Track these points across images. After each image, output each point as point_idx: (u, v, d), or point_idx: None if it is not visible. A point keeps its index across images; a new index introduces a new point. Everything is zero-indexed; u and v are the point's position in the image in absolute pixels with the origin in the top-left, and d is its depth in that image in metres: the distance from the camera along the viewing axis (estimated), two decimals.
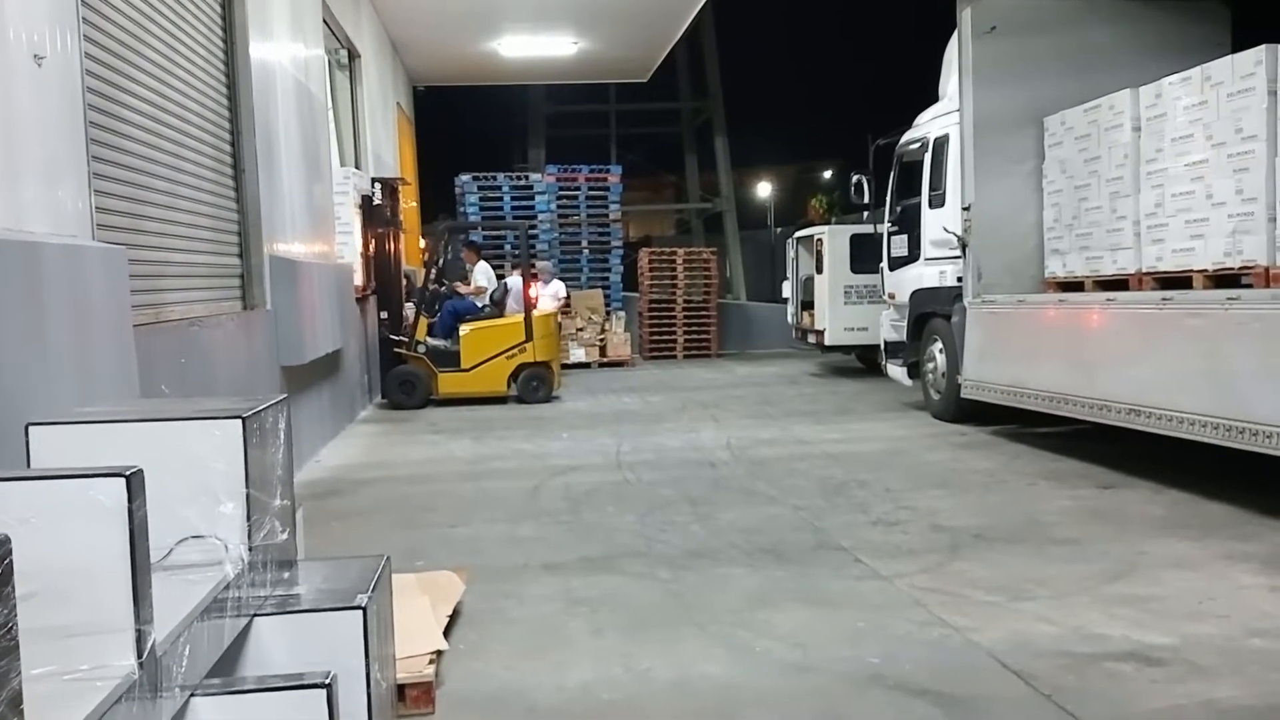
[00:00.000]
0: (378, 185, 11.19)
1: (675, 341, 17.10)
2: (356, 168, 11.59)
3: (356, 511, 6.21)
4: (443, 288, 11.78)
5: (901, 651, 3.71)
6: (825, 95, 32.82)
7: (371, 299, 11.33)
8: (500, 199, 16.71)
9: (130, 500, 1.68)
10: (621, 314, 16.75)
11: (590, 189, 17.37)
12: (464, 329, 11.17)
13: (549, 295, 13.40)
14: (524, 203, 16.74)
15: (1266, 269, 5.83)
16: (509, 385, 11.26)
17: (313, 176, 8.71)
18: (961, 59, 8.40)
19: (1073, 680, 3.39)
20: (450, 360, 11.09)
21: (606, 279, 17.42)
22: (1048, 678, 3.42)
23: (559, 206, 17.13)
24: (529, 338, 11.15)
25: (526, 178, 17.57)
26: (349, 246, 10.46)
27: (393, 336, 11.09)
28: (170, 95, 5.40)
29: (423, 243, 13.66)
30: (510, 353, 11.15)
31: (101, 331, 3.52)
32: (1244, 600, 4.17)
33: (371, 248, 10.97)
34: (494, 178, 16.99)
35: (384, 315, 11.18)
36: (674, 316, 17.11)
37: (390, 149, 14.37)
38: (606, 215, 17.49)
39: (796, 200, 36.95)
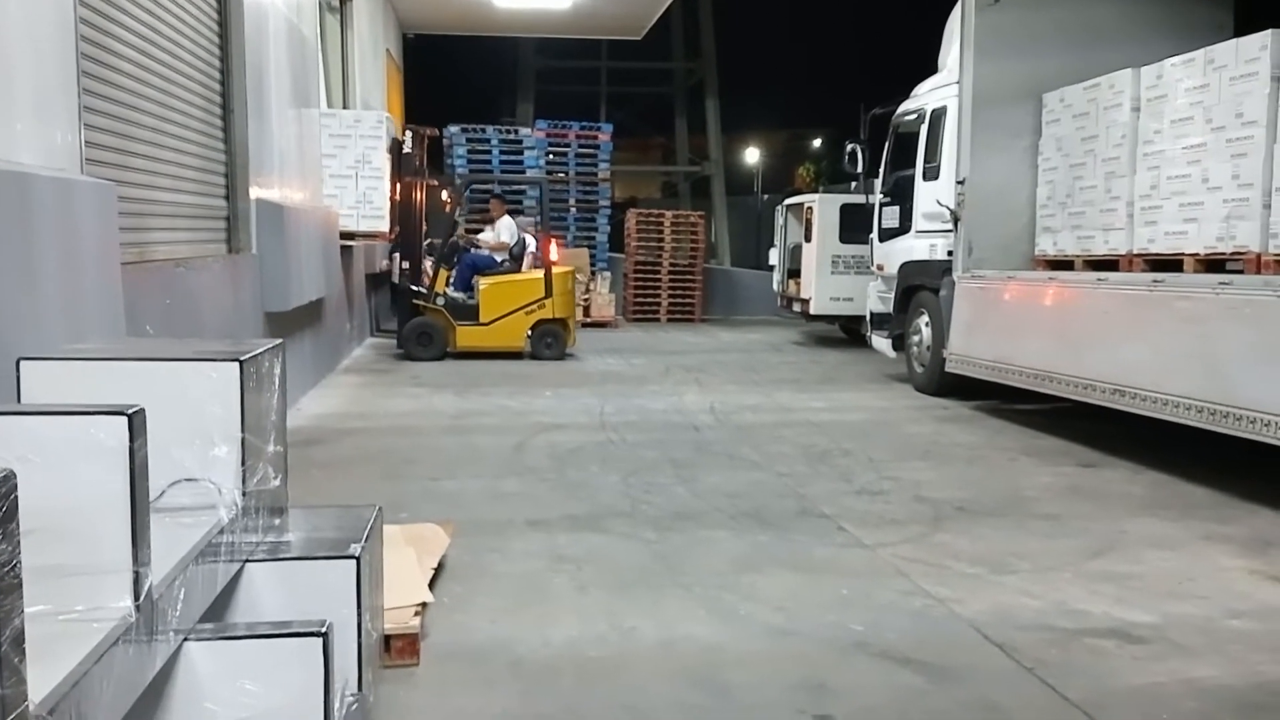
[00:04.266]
0: (409, 133, 11.01)
1: (659, 304, 17.05)
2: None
3: (338, 461, 6.16)
4: (461, 240, 11.67)
5: (885, 620, 3.73)
6: (818, 63, 32.69)
7: (362, 245, 11.23)
8: (489, 152, 16.50)
9: (132, 440, 1.64)
10: (607, 274, 16.67)
11: (580, 146, 17.18)
12: (483, 283, 11.09)
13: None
14: (513, 157, 16.53)
15: (1258, 255, 5.84)
16: (525, 341, 11.23)
17: (302, 120, 8.57)
18: (964, 31, 8.32)
19: (1055, 655, 3.42)
20: (469, 314, 11.04)
21: (593, 239, 17.30)
22: (1030, 651, 3.44)
23: (548, 163, 16.95)
24: (548, 294, 11.09)
25: (516, 131, 17.36)
26: (378, 192, 10.36)
27: (412, 287, 11.00)
28: (161, 29, 5.27)
29: (445, 195, 13.55)
30: (529, 308, 11.11)
31: (90, 268, 3.44)
32: (1223, 581, 4.22)
33: (397, 195, 10.87)
34: (483, 130, 16.77)
35: (405, 266, 11.10)
36: (659, 279, 17.04)
37: (379, 96, 14.16)
38: (595, 174, 17.32)
39: (784, 167, 36.87)
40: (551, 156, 17.01)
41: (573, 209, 17.26)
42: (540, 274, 11.22)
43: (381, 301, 14.46)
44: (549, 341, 11.22)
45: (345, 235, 10.65)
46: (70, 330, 3.16)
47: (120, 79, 4.65)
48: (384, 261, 13.81)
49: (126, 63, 4.73)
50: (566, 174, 17.16)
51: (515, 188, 15.79)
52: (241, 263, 6.63)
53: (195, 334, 5.31)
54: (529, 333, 11.18)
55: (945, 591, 4.03)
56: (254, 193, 6.83)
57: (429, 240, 11.39)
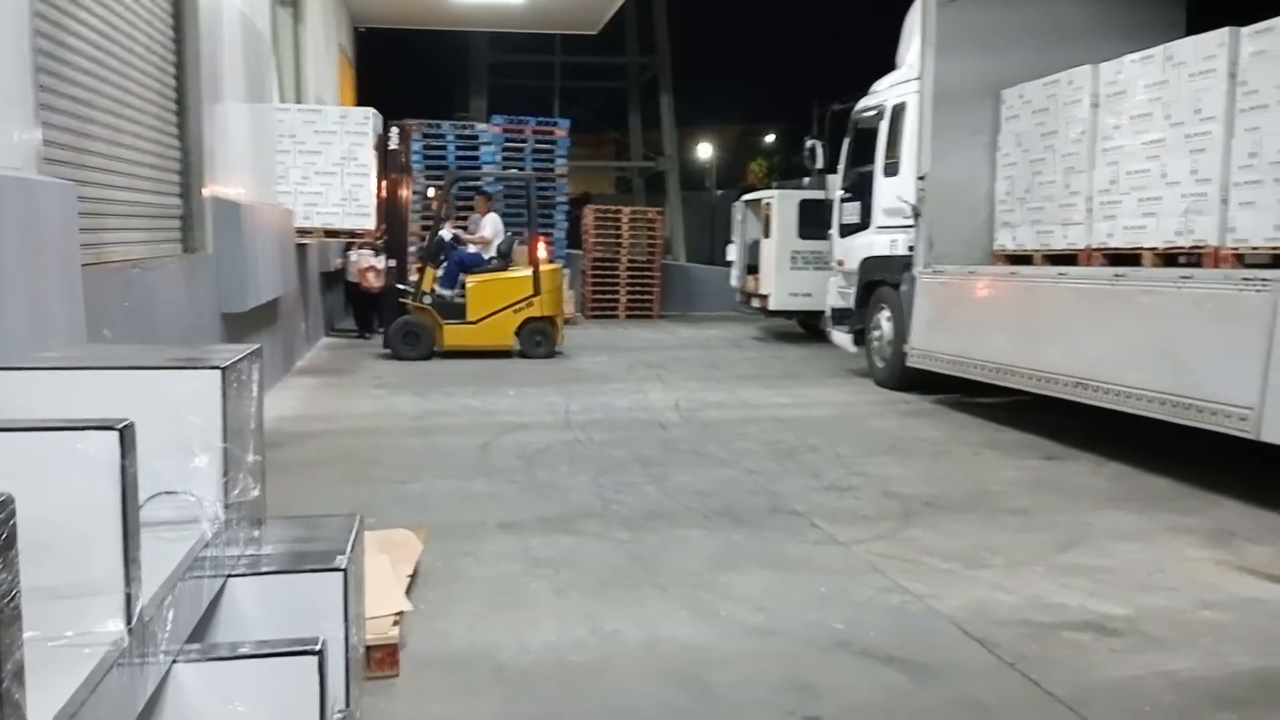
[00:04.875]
0: (395, 130, 10.86)
1: (618, 301, 17.00)
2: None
3: (301, 464, 6.04)
4: (449, 237, 11.53)
5: (864, 617, 3.74)
6: (771, 59, 32.82)
7: (316, 244, 11.05)
8: (444, 147, 16.30)
9: (123, 455, 1.57)
10: (565, 271, 16.54)
11: (537, 141, 17.03)
12: (471, 281, 10.95)
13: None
14: (468, 153, 16.33)
15: (1216, 249, 5.94)
16: (514, 339, 11.11)
17: (256, 116, 8.40)
18: (924, 27, 8.37)
19: (1035, 649, 3.45)
20: (456, 312, 10.90)
21: (550, 235, 17.14)
22: (1010, 646, 3.46)
23: (504, 158, 16.77)
24: (536, 291, 10.99)
25: (472, 127, 17.14)
26: (364, 189, 10.22)
27: (399, 286, 10.85)
28: (116, 24, 5.12)
29: (432, 192, 13.41)
30: (517, 306, 11.00)
31: (51, 270, 3.32)
32: (1191, 572, 4.28)
33: (383, 193, 10.74)
34: (438, 125, 16.56)
35: (392, 263, 10.94)
36: (617, 276, 16.99)
37: (332, 92, 13.96)
38: (552, 169, 17.17)
39: (738, 162, 37.00)
40: (508, 152, 16.82)
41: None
42: (528, 272, 11.13)
43: (335, 301, 14.27)
44: (538, 340, 11.14)
45: (330, 233, 10.57)
46: (32, 336, 3.05)
47: (76, 75, 4.50)
48: (337, 260, 13.61)
49: (82, 58, 4.58)
50: (523, 169, 16.99)
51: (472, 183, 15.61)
52: (197, 263, 6.48)
53: (151, 337, 5.18)
54: (517, 331, 11.08)
55: (922, 587, 4.05)
56: (209, 190, 6.68)
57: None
